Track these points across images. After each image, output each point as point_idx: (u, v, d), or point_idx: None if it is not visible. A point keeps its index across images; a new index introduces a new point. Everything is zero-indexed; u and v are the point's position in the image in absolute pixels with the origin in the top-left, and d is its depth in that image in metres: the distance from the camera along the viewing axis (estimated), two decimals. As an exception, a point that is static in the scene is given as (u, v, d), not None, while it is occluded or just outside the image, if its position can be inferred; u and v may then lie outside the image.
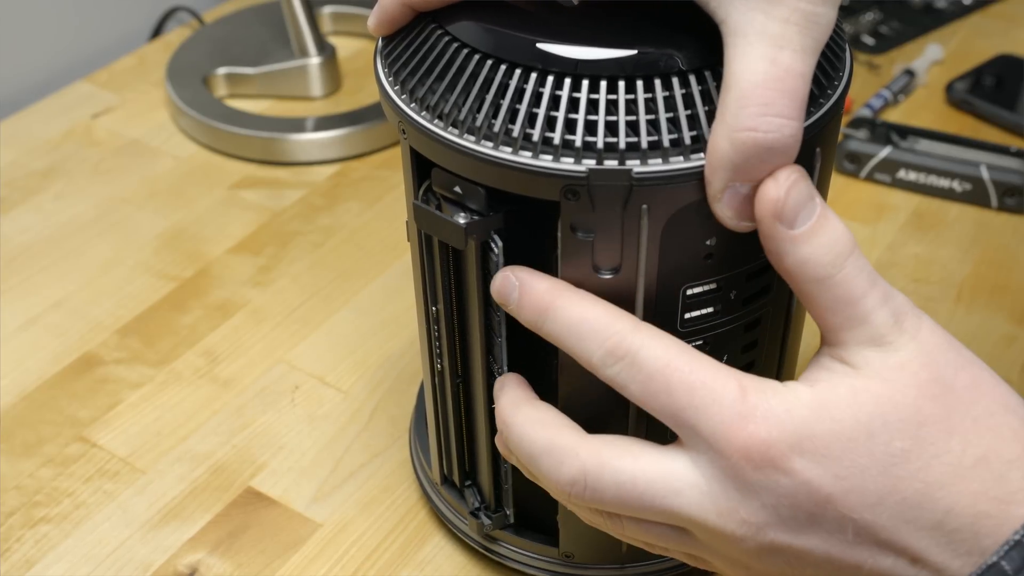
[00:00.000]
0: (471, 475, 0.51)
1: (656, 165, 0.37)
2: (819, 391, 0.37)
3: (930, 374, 0.37)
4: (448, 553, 0.54)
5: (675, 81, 0.38)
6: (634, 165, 0.37)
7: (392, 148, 0.82)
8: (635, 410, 0.43)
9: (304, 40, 0.85)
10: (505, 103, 0.38)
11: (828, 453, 0.36)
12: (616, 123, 0.37)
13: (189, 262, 0.72)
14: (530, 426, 0.41)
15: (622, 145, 0.37)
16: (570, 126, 0.37)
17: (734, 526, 0.37)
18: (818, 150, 0.40)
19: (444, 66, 0.40)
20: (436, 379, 0.48)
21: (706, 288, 0.41)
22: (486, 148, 0.38)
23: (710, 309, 0.42)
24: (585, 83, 0.37)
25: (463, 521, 0.52)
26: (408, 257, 0.71)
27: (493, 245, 0.42)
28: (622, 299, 0.40)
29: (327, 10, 0.94)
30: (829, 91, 0.40)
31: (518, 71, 0.38)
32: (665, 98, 0.37)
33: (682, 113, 0.37)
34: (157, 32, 0.97)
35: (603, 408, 0.43)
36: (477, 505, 0.51)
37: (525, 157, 0.38)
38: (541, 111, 0.38)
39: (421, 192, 0.43)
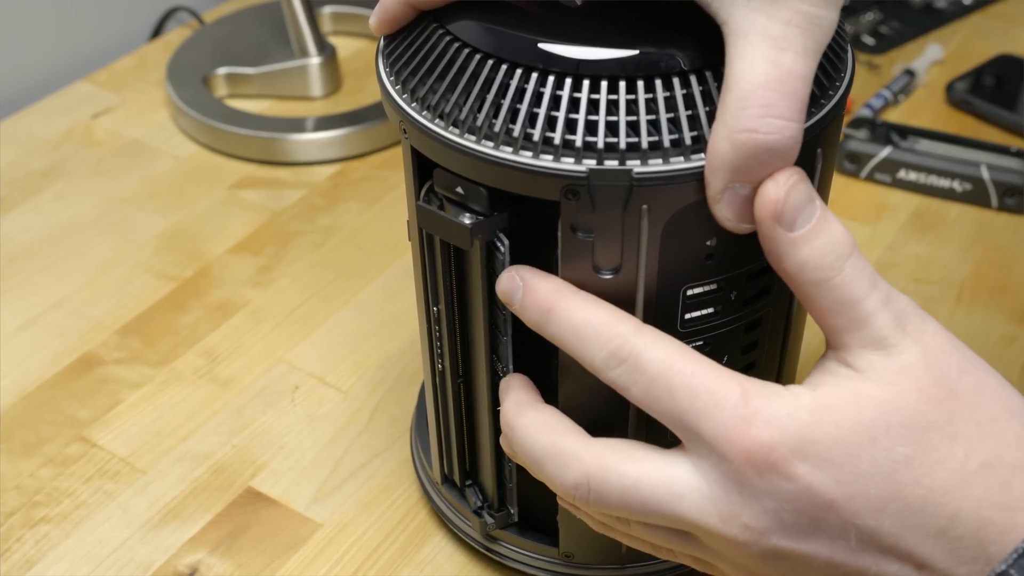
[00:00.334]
0: (472, 474, 0.51)
1: (657, 165, 0.37)
2: (821, 395, 0.37)
3: (933, 378, 0.36)
4: (448, 553, 0.54)
5: (676, 81, 0.38)
6: (634, 165, 0.37)
7: (392, 148, 0.82)
8: (636, 408, 0.43)
9: (304, 40, 0.85)
10: (506, 103, 0.38)
11: (830, 458, 0.36)
12: (617, 123, 0.37)
13: (189, 262, 0.72)
14: (534, 429, 0.41)
15: (622, 145, 0.37)
16: (571, 126, 0.37)
17: (737, 531, 0.37)
18: (819, 151, 0.40)
19: (445, 66, 0.40)
20: (437, 379, 0.48)
21: (706, 289, 0.41)
22: (487, 148, 0.38)
23: (710, 310, 0.42)
24: (586, 83, 0.37)
25: (464, 521, 0.52)
26: (408, 257, 0.71)
27: (499, 244, 0.42)
28: (622, 299, 0.40)
29: (327, 10, 0.94)
30: (831, 92, 0.40)
31: (519, 71, 0.38)
32: (666, 98, 0.37)
33: (683, 113, 0.37)
34: (157, 32, 0.97)
35: (605, 406, 0.43)
36: (479, 504, 0.51)
37: (526, 157, 0.38)
38: (542, 111, 0.38)
39: (423, 192, 0.43)
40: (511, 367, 0.45)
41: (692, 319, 0.42)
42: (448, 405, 0.48)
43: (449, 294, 0.45)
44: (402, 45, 0.42)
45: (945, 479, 0.35)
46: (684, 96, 0.37)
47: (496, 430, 0.47)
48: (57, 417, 0.61)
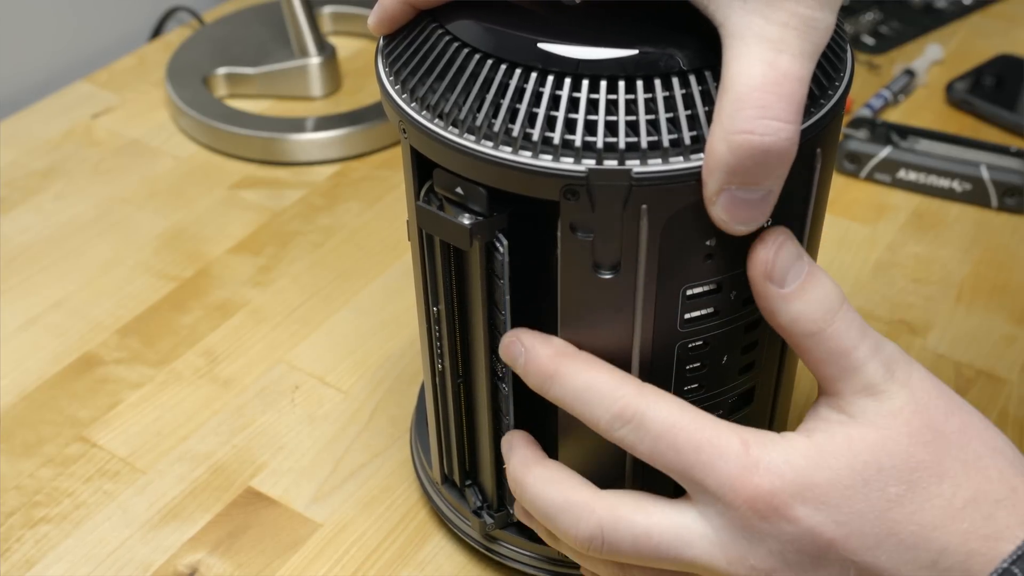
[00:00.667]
0: (472, 474, 0.51)
1: (656, 165, 0.37)
2: (816, 441, 0.39)
3: (922, 421, 0.39)
4: (448, 553, 0.54)
5: (675, 81, 0.38)
6: (634, 165, 0.37)
7: (392, 148, 0.82)
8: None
9: (304, 40, 0.85)
10: (505, 103, 0.38)
11: (828, 500, 0.38)
12: (616, 123, 0.37)
13: (189, 262, 0.72)
14: (543, 485, 0.43)
15: (622, 145, 0.37)
16: (570, 126, 0.37)
17: (744, 572, 0.39)
18: (819, 151, 0.40)
19: (444, 65, 0.40)
20: (437, 379, 0.48)
21: (706, 288, 0.41)
22: (486, 148, 0.38)
23: (710, 309, 0.42)
24: (585, 83, 0.37)
25: (464, 521, 0.52)
26: (408, 257, 0.71)
27: (498, 245, 0.42)
28: (622, 299, 0.40)
29: (327, 10, 0.94)
30: (830, 92, 0.40)
31: (518, 71, 0.38)
32: (665, 98, 0.37)
33: (682, 113, 0.37)
34: (157, 32, 0.97)
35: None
36: (479, 504, 0.51)
37: (525, 157, 0.38)
38: (541, 111, 0.38)
39: (423, 192, 0.43)
40: (510, 368, 0.45)
41: (692, 319, 0.42)
42: (448, 405, 0.48)
43: (449, 294, 0.45)
44: (401, 45, 0.42)
45: (934, 515, 0.38)
46: (683, 96, 0.37)
47: (494, 430, 0.47)
48: (57, 417, 0.62)
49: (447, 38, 0.40)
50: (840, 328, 0.39)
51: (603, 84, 0.37)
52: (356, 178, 0.79)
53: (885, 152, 0.76)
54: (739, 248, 0.40)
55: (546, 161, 0.38)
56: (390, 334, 0.66)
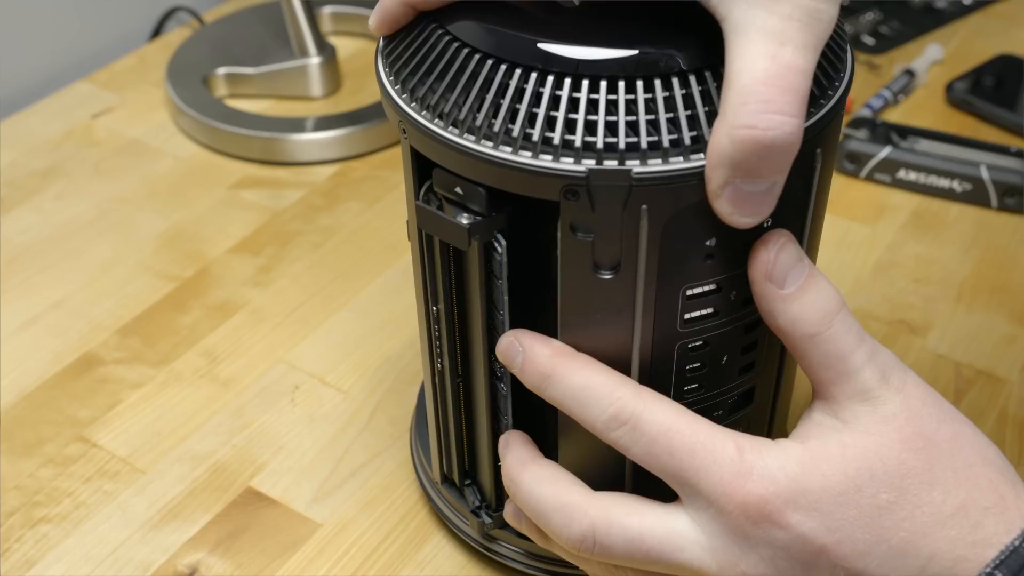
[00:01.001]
0: (471, 474, 0.51)
1: (656, 165, 0.37)
2: (810, 447, 0.39)
3: (914, 428, 0.39)
4: (448, 553, 0.54)
5: (675, 81, 0.38)
6: (634, 165, 0.37)
7: (392, 148, 0.82)
8: None
9: (304, 40, 0.85)
10: (505, 103, 0.38)
11: (820, 507, 0.38)
12: (616, 123, 0.37)
13: (189, 262, 0.72)
14: (537, 484, 0.43)
15: (622, 145, 0.37)
16: (570, 126, 0.37)
17: None
18: (819, 151, 0.40)
19: (444, 65, 0.40)
20: (436, 378, 0.48)
21: (706, 289, 0.41)
22: (486, 148, 0.38)
23: (710, 310, 0.42)
24: (585, 83, 0.37)
25: (463, 520, 0.52)
26: (408, 257, 0.71)
27: (497, 245, 0.42)
28: (622, 299, 0.40)
29: (327, 10, 0.94)
30: (830, 92, 0.40)
31: (518, 71, 0.38)
32: (665, 98, 0.37)
33: (682, 113, 0.37)
34: (157, 32, 0.97)
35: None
36: (478, 504, 0.51)
37: (525, 157, 0.38)
38: (541, 111, 0.38)
39: (422, 192, 0.43)
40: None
41: (692, 319, 0.42)
42: (447, 404, 0.49)
43: (448, 294, 0.45)
44: (401, 45, 0.42)
45: (924, 522, 0.38)
46: (683, 96, 0.37)
47: (493, 430, 0.47)
48: (57, 417, 0.62)
49: (447, 38, 0.40)
50: (837, 332, 0.39)
51: (603, 84, 0.37)
52: (356, 178, 0.79)
53: (885, 152, 0.76)
54: (739, 248, 0.40)
55: (546, 161, 0.38)
56: (390, 334, 0.66)
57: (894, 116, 0.83)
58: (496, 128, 0.38)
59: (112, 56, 0.94)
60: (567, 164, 0.37)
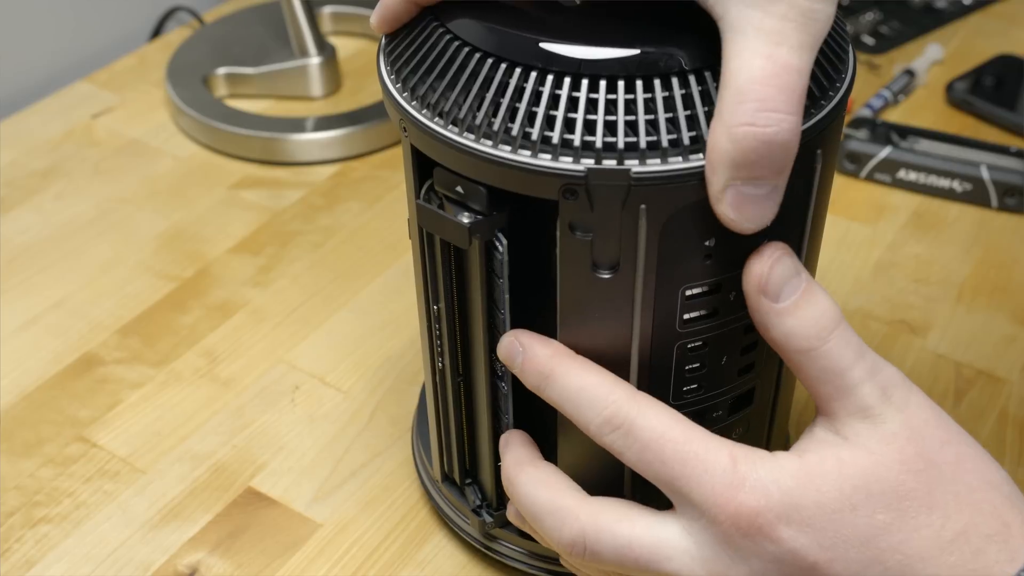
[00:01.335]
0: (472, 473, 0.51)
1: (655, 165, 0.37)
2: (807, 462, 0.38)
3: (915, 449, 0.38)
4: (449, 552, 0.54)
5: (674, 81, 0.38)
6: (632, 165, 0.37)
7: (392, 148, 0.82)
8: None
9: (304, 40, 0.85)
10: (505, 101, 0.38)
11: (813, 524, 0.37)
12: (615, 123, 0.37)
13: (189, 262, 0.72)
14: (533, 486, 0.43)
15: (620, 145, 0.37)
16: (569, 125, 0.37)
17: None
18: (819, 152, 0.40)
19: (445, 64, 0.40)
20: (437, 377, 0.48)
21: (705, 289, 0.41)
22: (485, 146, 0.38)
23: (709, 310, 0.42)
24: (584, 82, 0.37)
25: (464, 520, 0.52)
26: (408, 257, 0.71)
27: (498, 244, 0.42)
28: (621, 299, 0.40)
29: (327, 10, 0.94)
30: (831, 92, 0.40)
31: (518, 70, 0.38)
32: (664, 98, 0.37)
33: (681, 113, 0.37)
34: (157, 32, 0.97)
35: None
36: (478, 503, 0.51)
37: (524, 156, 0.38)
38: (540, 110, 0.38)
39: (423, 191, 0.43)
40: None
41: (691, 319, 0.42)
42: (448, 403, 0.49)
43: (449, 293, 0.45)
44: (403, 44, 0.42)
45: (922, 546, 0.37)
46: (683, 96, 0.37)
47: (494, 429, 0.47)
48: (57, 417, 0.62)
49: (448, 37, 0.40)
50: (834, 347, 0.39)
51: (602, 84, 0.37)
52: (356, 178, 0.79)
53: (885, 152, 0.76)
54: (739, 249, 0.40)
55: (545, 160, 0.38)
56: (390, 334, 0.66)
57: (894, 116, 0.83)
58: (495, 127, 0.38)
59: (112, 56, 0.95)
60: (566, 163, 0.37)
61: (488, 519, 0.50)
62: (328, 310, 0.68)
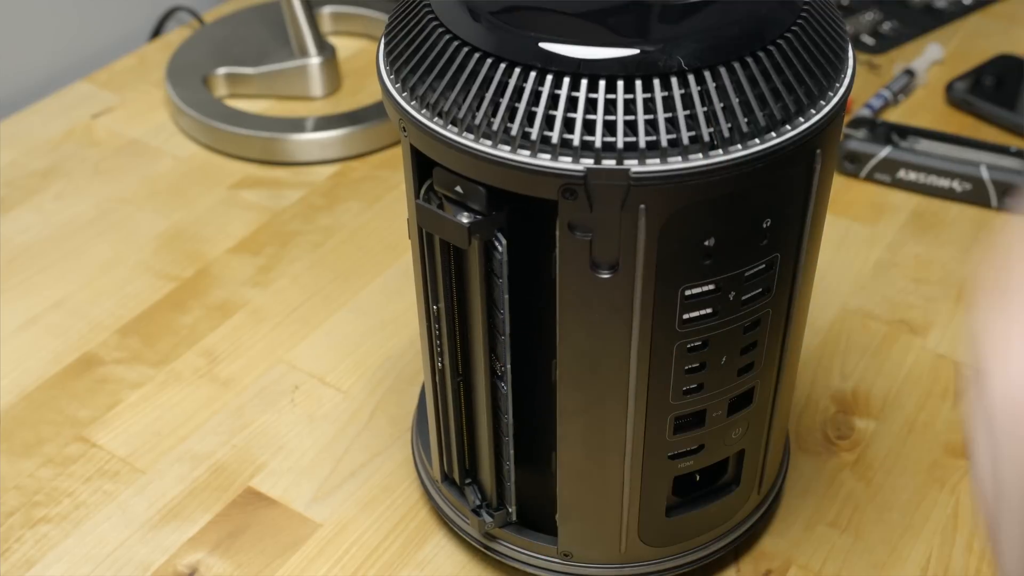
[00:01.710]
0: (472, 473, 0.51)
1: (654, 165, 0.37)
2: None
3: None
4: (449, 552, 0.54)
5: (674, 81, 0.37)
6: (632, 165, 0.37)
7: (392, 148, 0.82)
8: (634, 396, 0.43)
9: (304, 40, 0.85)
10: (504, 101, 0.38)
11: None
12: (614, 123, 0.37)
13: (189, 262, 0.72)
14: None
15: (620, 145, 0.37)
16: (568, 125, 0.37)
17: None
18: (819, 151, 0.40)
19: (444, 64, 0.40)
20: (437, 377, 0.48)
21: (705, 289, 0.41)
22: (484, 146, 0.38)
23: (709, 310, 0.42)
24: (584, 82, 0.37)
25: (464, 520, 0.52)
26: (408, 257, 0.71)
27: (497, 244, 0.42)
28: (620, 299, 0.40)
29: (327, 10, 0.94)
30: (830, 92, 0.40)
31: (517, 69, 0.38)
32: (663, 98, 0.37)
33: (680, 113, 0.37)
34: (157, 32, 0.97)
35: (600, 398, 0.43)
36: (478, 503, 0.51)
37: (523, 156, 0.38)
38: (540, 110, 0.38)
39: (423, 191, 0.43)
40: (509, 366, 0.45)
41: (690, 319, 0.42)
42: (448, 403, 0.49)
43: (449, 293, 0.45)
44: (403, 44, 0.42)
45: None
46: (682, 96, 0.37)
47: (493, 429, 0.47)
48: (57, 417, 0.62)
49: (447, 36, 0.40)
50: None
51: (602, 84, 0.37)
52: (356, 178, 0.79)
53: (885, 152, 0.76)
54: (738, 249, 0.40)
55: (544, 160, 0.38)
56: (390, 334, 0.66)
57: (894, 116, 0.83)
58: (495, 127, 0.38)
59: (112, 56, 0.95)
60: (565, 163, 0.37)
61: (488, 519, 0.50)
62: (328, 310, 0.68)
